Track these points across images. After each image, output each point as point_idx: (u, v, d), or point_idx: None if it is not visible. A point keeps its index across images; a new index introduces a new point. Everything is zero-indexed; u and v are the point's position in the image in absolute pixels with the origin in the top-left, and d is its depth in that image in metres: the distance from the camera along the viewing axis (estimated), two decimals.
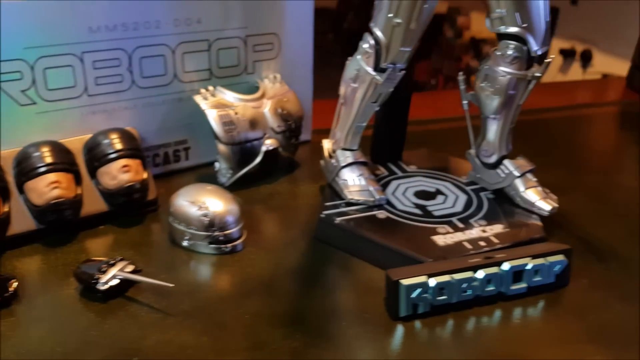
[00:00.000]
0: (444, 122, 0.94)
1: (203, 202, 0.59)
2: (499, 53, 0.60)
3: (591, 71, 2.37)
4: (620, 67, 2.22)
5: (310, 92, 0.83)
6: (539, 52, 0.59)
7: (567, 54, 2.44)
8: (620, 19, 2.18)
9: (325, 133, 0.70)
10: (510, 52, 0.59)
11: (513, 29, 0.58)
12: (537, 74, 0.60)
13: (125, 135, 0.67)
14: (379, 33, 0.58)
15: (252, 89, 0.77)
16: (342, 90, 0.65)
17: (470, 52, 2.97)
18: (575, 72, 2.43)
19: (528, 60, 0.59)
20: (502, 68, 0.60)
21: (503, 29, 0.58)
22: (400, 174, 0.71)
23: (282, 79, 0.79)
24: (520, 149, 0.67)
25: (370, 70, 0.60)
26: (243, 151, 0.72)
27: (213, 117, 0.70)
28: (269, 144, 0.72)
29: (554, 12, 2.58)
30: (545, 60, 0.60)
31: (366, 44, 0.60)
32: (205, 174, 0.75)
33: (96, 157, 0.65)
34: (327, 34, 4.30)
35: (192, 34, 0.71)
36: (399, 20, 0.56)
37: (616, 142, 0.93)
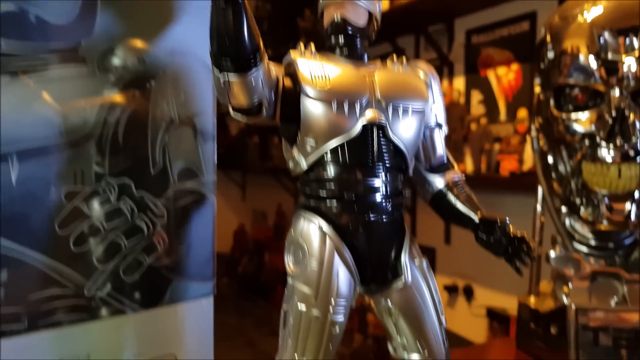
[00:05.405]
0: None
1: None
2: None
3: (475, 304, 2.52)
4: (502, 301, 2.41)
5: None
6: None
7: (451, 290, 2.60)
8: (492, 256, 2.42)
9: None
10: None
11: (416, 357, 0.59)
12: None
13: None
14: None
15: None
16: None
17: None
18: (462, 306, 2.57)
19: None
20: None
21: (406, 355, 0.60)
22: None
23: None
24: None
25: None
26: None
27: None
28: None
29: (430, 251, 2.82)
30: None
31: None
32: None
33: None
34: (222, 278, 4.31)
35: None
36: None
37: None
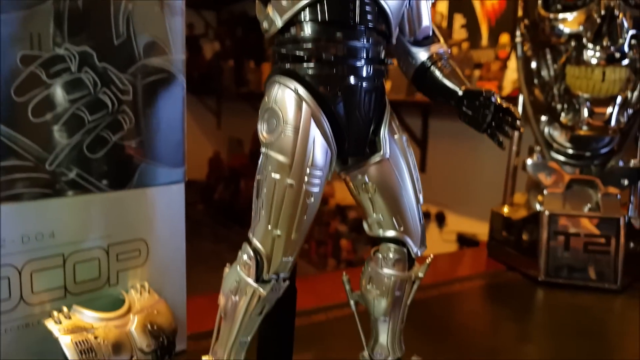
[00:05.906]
0: (329, 310, 0.91)
1: None
2: (380, 256, 0.59)
3: (446, 230, 2.57)
4: (473, 227, 2.46)
5: (183, 297, 0.76)
6: (419, 253, 0.59)
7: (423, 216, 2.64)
8: (466, 184, 2.45)
9: (203, 337, 0.62)
10: (391, 255, 0.58)
11: (391, 233, 0.58)
12: (420, 275, 0.59)
13: None
14: (258, 244, 0.55)
15: (116, 302, 0.68)
16: (222, 303, 0.59)
17: (337, 217, 3.10)
18: (433, 232, 2.62)
19: (409, 260, 0.59)
20: (385, 270, 0.59)
21: (381, 232, 0.58)
22: None
23: (150, 287, 0.71)
24: (411, 335, 0.65)
25: (251, 282, 0.56)
26: None
27: (67, 344, 0.59)
28: None
29: None
30: (427, 261, 0.60)
31: (245, 255, 0.56)
32: None
33: None
34: (197, 205, 4.30)
35: (43, 250, 0.63)
36: (278, 233, 0.53)
37: (492, 318, 0.95)
